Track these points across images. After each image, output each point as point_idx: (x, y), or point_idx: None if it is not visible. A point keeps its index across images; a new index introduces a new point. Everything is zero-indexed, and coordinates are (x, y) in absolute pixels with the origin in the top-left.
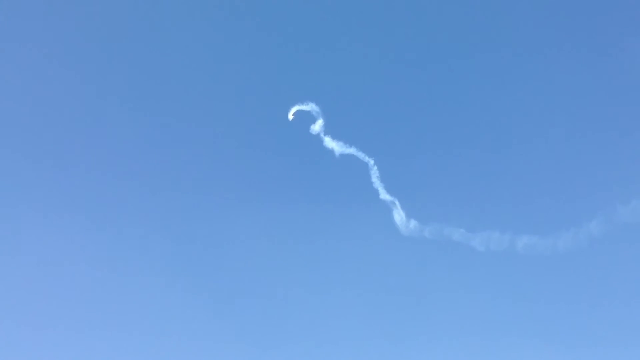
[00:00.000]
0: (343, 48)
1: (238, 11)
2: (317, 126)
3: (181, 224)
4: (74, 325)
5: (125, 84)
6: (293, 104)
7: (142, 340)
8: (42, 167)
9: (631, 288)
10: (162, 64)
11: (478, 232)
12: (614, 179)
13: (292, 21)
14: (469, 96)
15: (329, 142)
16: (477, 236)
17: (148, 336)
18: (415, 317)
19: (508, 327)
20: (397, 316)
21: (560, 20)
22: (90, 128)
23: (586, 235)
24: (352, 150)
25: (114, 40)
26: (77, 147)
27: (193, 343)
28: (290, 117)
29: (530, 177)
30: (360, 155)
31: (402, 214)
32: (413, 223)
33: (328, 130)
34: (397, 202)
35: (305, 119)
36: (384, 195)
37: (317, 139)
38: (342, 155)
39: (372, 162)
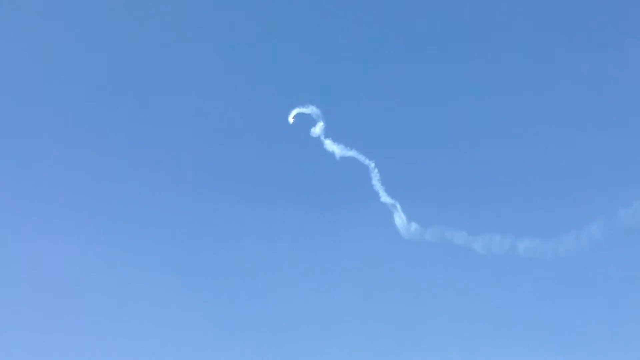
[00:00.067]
0: (343, 51)
1: (239, 14)
2: (318, 129)
3: (182, 227)
4: (76, 328)
5: (126, 86)
6: (293, 107)
7: (144, 344)
8: (42, 168)
9: (633, 291)
10: (162, 65)
11: (479, 235)
12: (615, 181)
13: (293, 24)
14: (470, 99)
15: (330, 145)
16: (478, 239)
17: (150, 340)
18: (417, 321)
19: (509, 330)
20: (399, 319)
21: (561, 21)
22: (93, 131)
23: (588, 238)
24: (352, 153)
25: (116, 45)
26: (79, 149)
27: (194, 346)
28: (291, 120)
29: (532, 180)
30: (361, 158)
31: (403, 216)
32: (414, 226)
33: (328, 133)
34: (398, 205)
35: (306, 121)
36: (384, 198)
37: (318, 141)
38: (343, 158)
39: (372, 164)
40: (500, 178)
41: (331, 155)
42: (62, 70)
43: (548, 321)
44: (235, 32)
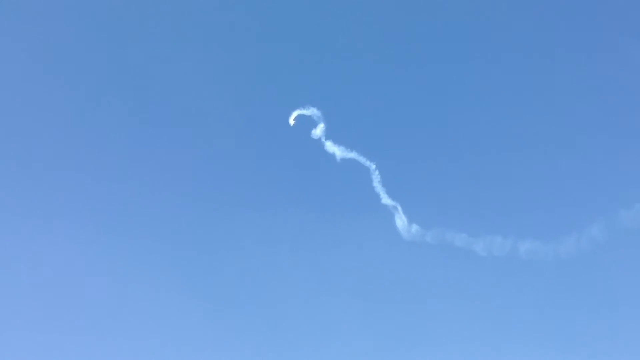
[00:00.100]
0: (344, 52)
1: (239, 14)
2: (318, 131)
3: (182, 227)
4: (76, 328)
5: (126, 87)
6: (294, 109)
7: (144, 344)
8: (42, 168)
9: (634, 293)
10: (162, 65)
11: (480, 236)
12: (616, 183)
13: (294, 25)
14: (470, 100)
15: (330, 147)
16: (479, 241)
17: (150, 340)
18: (418, 322)
19: (510, 332)
20: (400, 321)
21: (561, 21)
22: (91, 131)
23: (589, 240)
24: (353, 155)
25: (116, 45)
26: (79, 149)
27: (194, 346)
28: (292, 121)
29: (533, 181)
30: (362, 159)
31: (403, 218)
32: (415, 228)
33: (329, 134)
34: (398, 207)
35: (307, 123)
36: (385, 199)
37: (318, 143)
38: (344, 160)
39: (373, 166)
40: (501, 179)
41: (332, 157)
42: (62, 70)
43: (549, 323)
44: (236, 32)
